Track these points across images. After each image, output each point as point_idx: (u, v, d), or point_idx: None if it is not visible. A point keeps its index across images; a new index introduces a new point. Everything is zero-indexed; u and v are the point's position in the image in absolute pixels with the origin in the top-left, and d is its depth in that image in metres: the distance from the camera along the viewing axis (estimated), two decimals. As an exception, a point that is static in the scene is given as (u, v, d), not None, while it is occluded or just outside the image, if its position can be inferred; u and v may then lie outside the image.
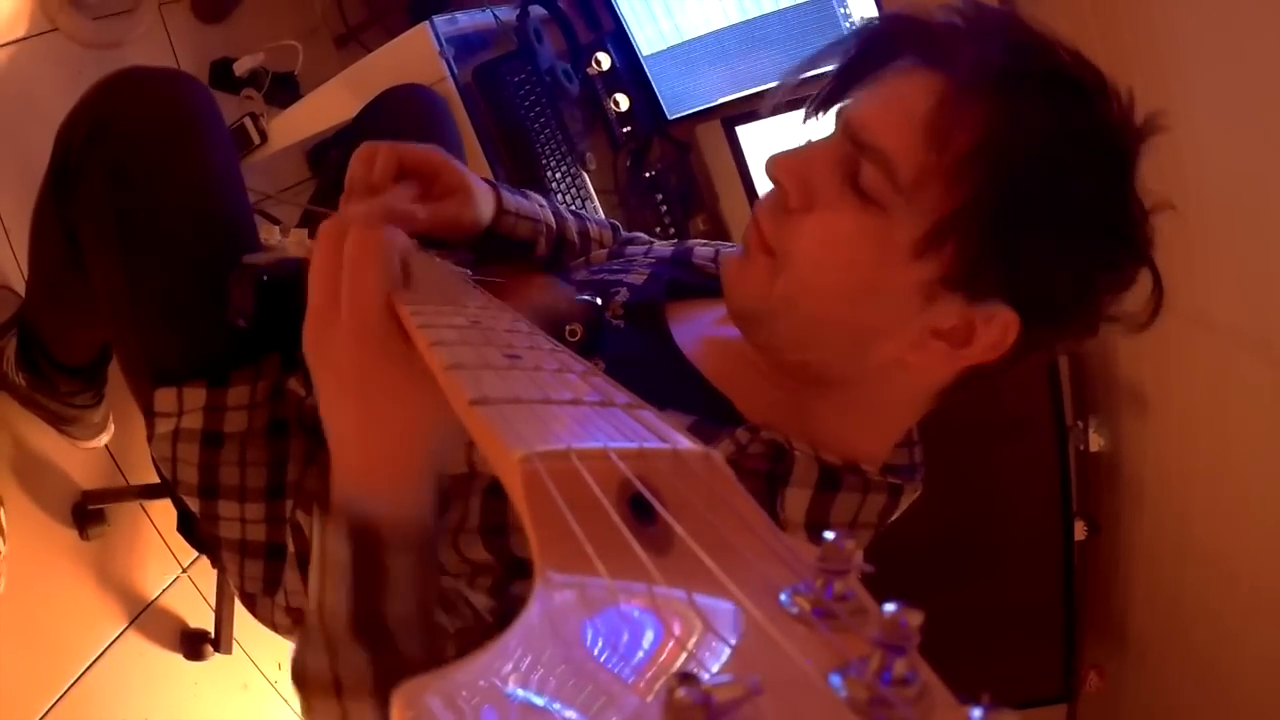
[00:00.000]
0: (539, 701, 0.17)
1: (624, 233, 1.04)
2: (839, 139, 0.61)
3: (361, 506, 0.49)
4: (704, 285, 0.78)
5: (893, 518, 0.67)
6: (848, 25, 1.46)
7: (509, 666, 0.18)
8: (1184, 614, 1.46)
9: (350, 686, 0.51)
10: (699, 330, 0.74)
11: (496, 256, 0.87)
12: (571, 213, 0.98)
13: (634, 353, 0.70)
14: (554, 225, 0.92)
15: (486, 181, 0.86)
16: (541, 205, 0.92)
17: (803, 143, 0.64)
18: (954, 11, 0.59)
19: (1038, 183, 0.55)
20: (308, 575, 0.53)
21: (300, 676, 0.53)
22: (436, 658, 0.54)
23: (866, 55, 0.62)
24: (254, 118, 1.44)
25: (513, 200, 0.87)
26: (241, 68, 1.57)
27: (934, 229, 0.56)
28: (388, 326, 0.47)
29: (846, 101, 0.63)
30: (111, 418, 1.33)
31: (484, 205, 0.83)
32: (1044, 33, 0.59)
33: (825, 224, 0.60)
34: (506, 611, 0.63)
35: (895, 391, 0.66)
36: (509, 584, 0.64)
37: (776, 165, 0.62)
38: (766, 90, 1.55)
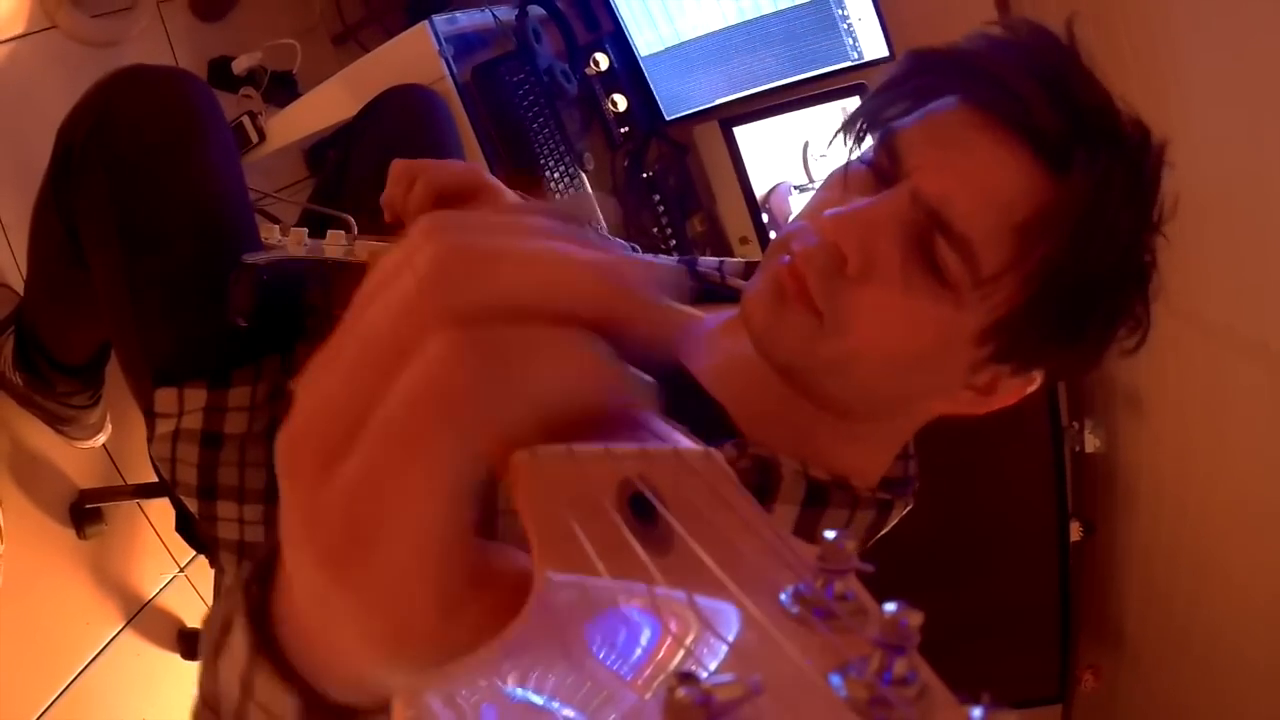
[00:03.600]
0: (538, 700, 0.17)
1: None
2: (907, 204, 0.55)
3: None
4: (706, 291, 0.78)
5: (880, 533, 0.67)
6: (845, 26, 1.47)
7: (508, 664, 0.18)
8: (1178, 614, 1.46)
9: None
10: (698, 334, 0.74)
11: None
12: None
13: None
14: None
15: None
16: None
17: (857, 200, 0.57)
18: (1006, 45, 0.56)
19: (1104, 273, 0.55)
20: None
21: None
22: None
23: (915, 86, 0.60)
24: (252, 116, 1.44)
25: None
26: (240, 66, 1.57)
27: (1004, 320, 0.56)
28: None
29: (891, 129, 0.59)
30: (109, 418, 1.33)
31: None
32: (1096, 79, 0.56)
33: (890, 301, 0.56)
34: None
35: (911, 423, 0.69)
36: None
37: (834, 227, 0.56)
38: (764, 91, 1.55)
